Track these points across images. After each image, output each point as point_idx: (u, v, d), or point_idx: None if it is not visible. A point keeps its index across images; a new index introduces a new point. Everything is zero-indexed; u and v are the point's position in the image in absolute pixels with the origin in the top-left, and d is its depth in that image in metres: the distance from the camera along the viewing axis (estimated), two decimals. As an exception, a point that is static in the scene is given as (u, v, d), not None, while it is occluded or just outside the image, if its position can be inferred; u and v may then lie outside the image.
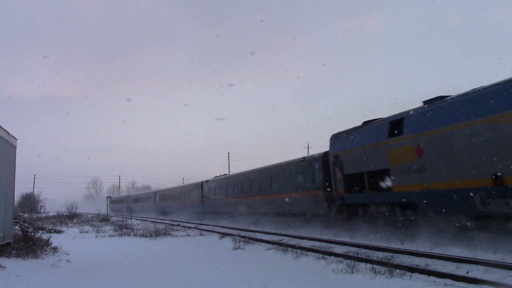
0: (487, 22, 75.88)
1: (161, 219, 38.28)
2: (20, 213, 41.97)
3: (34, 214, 46.79)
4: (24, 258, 10.63)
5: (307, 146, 60.67)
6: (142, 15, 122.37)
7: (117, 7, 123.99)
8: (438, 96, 12.38)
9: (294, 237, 16.00)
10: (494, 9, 77.55)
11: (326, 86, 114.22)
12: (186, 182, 58.38)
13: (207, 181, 34.64)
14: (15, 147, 12.43)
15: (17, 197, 50.95)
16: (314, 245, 13.20)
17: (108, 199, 56.42)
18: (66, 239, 17.57)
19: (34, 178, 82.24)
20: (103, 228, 25.13)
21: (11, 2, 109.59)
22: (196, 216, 35.94)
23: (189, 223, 30.02)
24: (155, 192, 54.01)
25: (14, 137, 12.32)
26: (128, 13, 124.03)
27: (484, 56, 75.63)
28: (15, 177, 12.71)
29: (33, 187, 78.88)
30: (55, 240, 14.46)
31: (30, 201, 66.30)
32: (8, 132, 11.57)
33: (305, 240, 14.76)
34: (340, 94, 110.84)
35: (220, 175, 33.91)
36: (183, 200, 41.23)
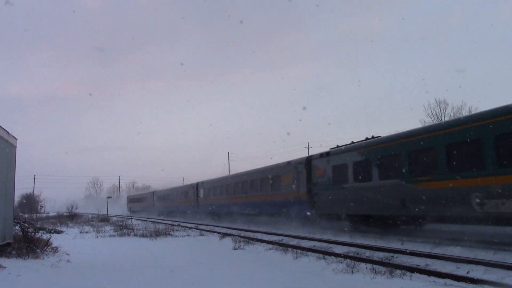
0: (490, 21, 75.89)
1: (161, 220, 37.89)
2: (20, 213, 41.93)
3: (34, 214, 46.74)
4: (24, 258, 10.64)
5: (307, 146, 60.59)
6: (142, 14, 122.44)
7: (117, 6, 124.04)
8: None
9: (294, 237, 15.99)
10: (498, 7, 77.54)
11: (327, 86, 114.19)
12: (187, 182, 51.70)
13: (326, 154, 18.73)
14: (15, 147, 12.42)
15: (17, 197, 51.02)
16: (314, 245, 13.20)
17: (107, 197, 45.61)
18: (66, 239, 17.55)
19: (34, 178, 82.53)
20: (103, 228, 25.10)
21: (11, 2, 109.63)
22: (300, 224, 19.98)
23: (189, 223, 29.31)
24: (196, 186, 37.35)
25: (14, 137, 12.32)
26: (129, 12, 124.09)
27: (486, 56, 75.57)
28: (15, 177, 12.71)
29: (33, 187, 79.15)
30: (55, 240, 14.45)
31: (30, 201, 66.25)
32: (8, 132, 11.57)
33: (305, 240, 14.75)
34: (341, 94, 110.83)
35: (363, 140, 17.37)
36: (255, 195, 25.52)
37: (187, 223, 29.41)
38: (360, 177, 16.30)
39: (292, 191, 21.00)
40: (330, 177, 18.16)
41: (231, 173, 31.13)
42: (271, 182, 23.54)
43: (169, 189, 50.24)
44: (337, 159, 17.86)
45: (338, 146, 18.93)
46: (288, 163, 22.20)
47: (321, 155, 19.14)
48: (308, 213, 19.64)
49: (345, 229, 17.48)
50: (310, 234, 16.80)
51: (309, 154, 20.16)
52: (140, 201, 60.30)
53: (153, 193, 54.73)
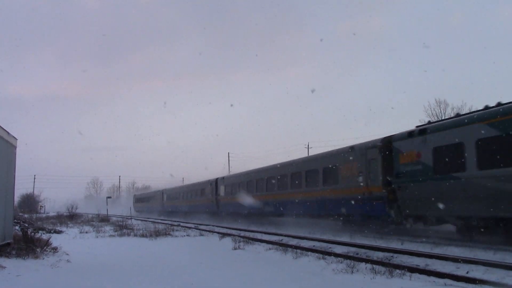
0: (491, 21, 75.91)
1: (161, 220, 37.83)
2: (20, 213, 41.92)
3: (34, 214, 46.74)
4: (24, 258, 10.63)
5: (307, 146, 60.60)
6: (143, 14, 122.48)
7: (117, 6, 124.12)
8: None
9: (294, 237, 15.99)
10: (498, 7, 77.59)
11: (327, 85, 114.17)
12: (187, 182, 50.71)
13: (419, 131, 13.82)
14: (15, 147, 12.42)
15: (17, 197, 50.93)
16: (314, 245, 13.20)
17: (107, 197, 44.14)
18: (66, 239, 17.54)
19: (34, 178, 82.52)
20: (103, 228, 25.08)
21: (11, 2, 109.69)
22: (371, 227, 16.15)
23: (189, 223, 29.44)
24: (215, 182, 32.17)
25: (14, 137, 12.32)
26: (129, 12, 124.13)
27: (488, 56, 75.56)
28: (15, 177, 12.71)
29: (33, 187, 79.11)
30: (55, 240, 14.44)
31: (30, 201, 66.18)
32: (8, 132, 11.57)
33: (305, 240, 14.76)
34: (341, 94, 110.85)
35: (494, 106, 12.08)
36: (299, 192, 20.41)
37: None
38: (491, 161, 11.20)
39: (357, 185, 16.35)
40: (428, 164, 13.07)
41: (265, 166, 25.62)
42: (323, 174, 18.80)
43: (181, 187, 45.40)
44: (442, 136, 12.72)
45: (430, 123, 14.42)
46: (351, 148, 17.17)
47: (410, 133, 14.02)
48: (386, 214, 15.08)
49: (453, 237, 12.96)
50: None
51: (388, 135, 15.48)
52: (148, 200, 55.90)
53: (162, 191, 49.68)
